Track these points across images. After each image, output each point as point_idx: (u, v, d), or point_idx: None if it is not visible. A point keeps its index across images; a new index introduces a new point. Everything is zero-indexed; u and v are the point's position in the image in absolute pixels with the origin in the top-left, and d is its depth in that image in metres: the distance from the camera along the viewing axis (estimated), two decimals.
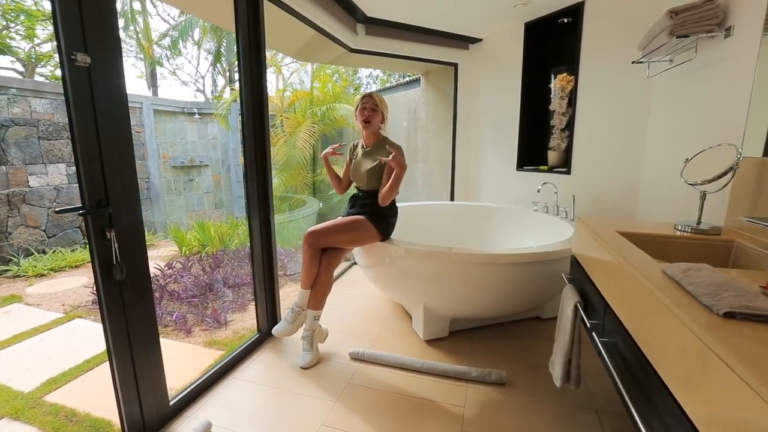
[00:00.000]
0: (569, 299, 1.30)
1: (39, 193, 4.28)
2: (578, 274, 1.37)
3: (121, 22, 8.48)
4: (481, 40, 3.30)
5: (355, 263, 3.26)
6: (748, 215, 1.21)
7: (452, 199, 3.69)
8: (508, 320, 2.25)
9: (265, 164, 1.99)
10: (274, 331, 1.94)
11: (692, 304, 0.69)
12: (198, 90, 11.18)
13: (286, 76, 7.18)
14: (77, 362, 2.18)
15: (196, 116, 6.27)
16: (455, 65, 3.45)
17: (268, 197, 2.01)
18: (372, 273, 2.26)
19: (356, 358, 1.90)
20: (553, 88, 2.80)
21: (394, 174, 1.85)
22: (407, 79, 4.85)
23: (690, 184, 1.30)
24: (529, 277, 1.91)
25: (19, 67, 7.94)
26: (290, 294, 3.18)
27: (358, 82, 11.45)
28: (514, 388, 1.67)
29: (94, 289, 1.24)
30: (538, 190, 2.65)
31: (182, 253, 4.52)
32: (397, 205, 2.12)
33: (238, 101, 1.97)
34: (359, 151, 2.09)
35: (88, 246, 1.21)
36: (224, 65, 9.50)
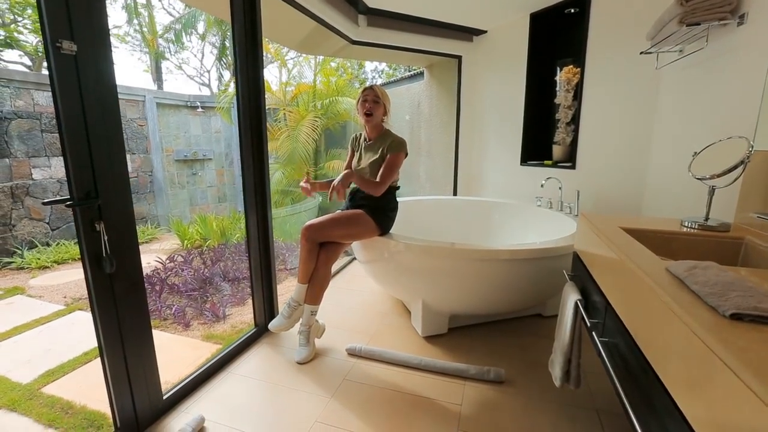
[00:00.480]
0: (570, 297, 1.26)
1: (42, 185, 4.30)
2: (580, 271, 1.33)
3: (124, 16, 8.48)
4: (485, 31, 3.23)
5: (354, 258, 3.23)
6: (760, 211, 1.16)
7: (455, 193, 3.65)
8: (508, 317, 2.22)
9: (262, 157, 1.96)
10: (270, 326, 1.92)
11: (697, 304, 0.65)
12: (203, 84, 11.18)
13: (291, 68, 7.13)
14: (75, 354, 2.19)
15: (199, 110, 6.26)
16: (459, 58, 3.39)
17: (265, 190, 1.99)
18: (371, 268, 2.23)
19: (353, 353, 1.88)
20: (558, 81, 2.74)
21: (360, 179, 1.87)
22: (411, 72, 4.79)
23: (698, 178, 1.25)
24: (530, 274, 1.86)
25: (27, 60, 7.99)
26: (291, 288, 3.17)
27: (363, 76, 11.38)
28: (513, 386, 1.64)
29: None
30: (542, 185, 2.59)
31: (184, 247, 4.53)
32: (399, 199, 2.09)
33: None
34: (362, 143, 2.06)
35: (76, 238, 1.19)
36: (229, 59, 9.48)
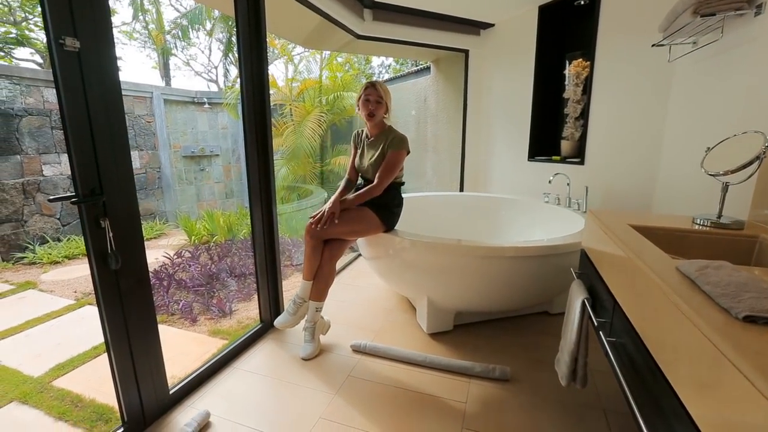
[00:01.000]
0: (577, 295, 1.24)
1: (53, 181, 4.36)
2: (587, 269, 1.31)
3: (130, 12, 8.52)
4: (492, 25, 3.18)
5: (359, 254, 3.23)
6: None
7: (461, 189, 3.62)
8: (514, 315, 2.20)
9: (267, 152, 1.95)
10: (276, 322, 1.93)
11: (708, 305, 0.62)
12: (211, 80, 11.23)
13: (297, 63, 7.11)
14: (85, 348, 2.22)
15: (206, 106, 6.28)
16: (466, 52, 3.34)
17: (270, 186, 1.99)
18: (376, 264, 2.23)
19: (358, 350, 1.88)
20: (567, 75, 2.69)
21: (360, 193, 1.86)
22: (417, 67, 4.74)
23: (711, 174, 1.21)
24: (537, 271, 1.84)
25: (38, 58, 8.09)
26: (297, 284, 3.17)
27: (370, 71, 11.32)
28: (519, 385, 1.62)
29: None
30: (550, 181, 2.55)
31: (191, 242, 4.57)
32: (404, 195, 2.07)
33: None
34: (363, 140, 2.04)
35: (82, 235, 1.19)
36: (236, 55, 9.49)
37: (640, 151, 2.27)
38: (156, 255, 3.78)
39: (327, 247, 1.86)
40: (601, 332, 1.03)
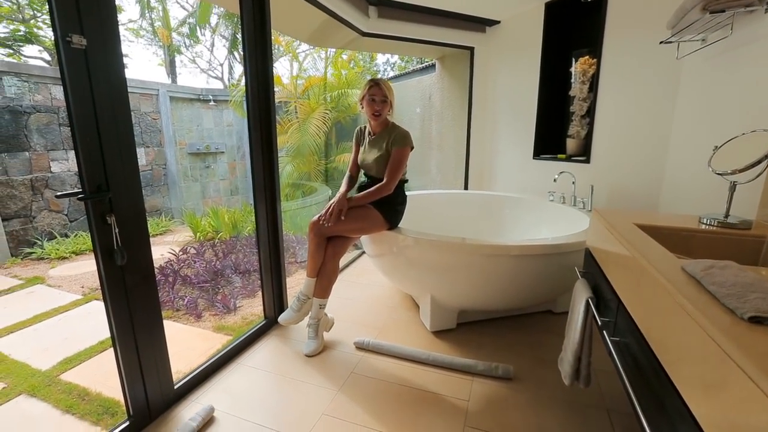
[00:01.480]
0: (581, 294, 1.23)
1: (61, 178, 4.41)
2: (592, 268, 1.30)
3: (137, 9, 8.56)
4: (498, 22, 3.15)
5: (363, 252, 3.23)
6: None
7: (466, 187, 3.60)
8: (518, 313, 2.19)
9: (271, 149, 1.96)
10: (280, 319, 1.94)
11: (713, 305, 0.62)
12: (216, 77, 11.27)
13: (302, 60, 7.12)
14: (91, 343, 2.25)
15: (212, 103, 6.31)
16: (471, 49, 3.32)
17: (275, 183, 1.99)
18: (380, 262, 2.23)
19: (361, 347, 1.88)
20: (573, 72, 2.67)
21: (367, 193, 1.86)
22: (422, 64, 4.72)
23: (719, 173, 1.20)
24: (541, 270, 1.83)
25: (46, 55, 8.16)
26: (301, 281, 3.18)
27: (375, 68, 11.30)
28: (522, 383, 1.62)
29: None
30: (555, 180, 2.54)
31: (197, 239, 4.60)
32: (408, 193, 2.07)
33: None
34: (366, 137, 2.03)
35: (89, 231, 1.21)
36: (241, 52, 9.51)
37: (647, 150, 2.25)
38: (161, 251, 3.81)
39: (330, 244, 1.87)
40: (605, 332, 1.02)
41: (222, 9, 8.35)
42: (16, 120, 4.03)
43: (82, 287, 3.25)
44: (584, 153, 2.63)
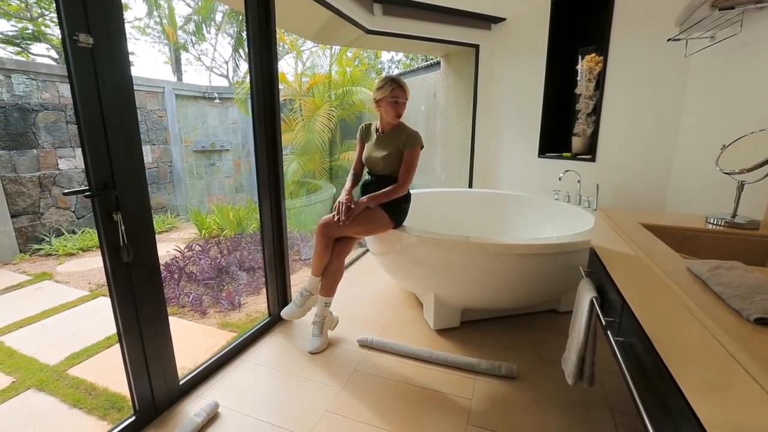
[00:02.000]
0: (585, 294, 1.23)
1: (68, 175, 4.45)
2: (596, 268, 1.29)
3: (144, 8, 8.61)
4: (504, 19, 3.13)
5: (367, 250, 3.24)
6: None
7: (470, 186, 3.59)
8: (522, 312, 2.18)
9: (276, 147, 1.96)
10: (282, 313, 1.95)
11: (719, 306, 0.61)
12: (222, 75, 11.30)
13: (306, 59, 7.12)
14: (98, 339, 2.28)
15: (217, 101, 6.33)
16: (476, 47, 3.30)
17: (279, 181, 2.00)
18: (384, 260, 2.23)
19: (365, 345, 1.89)
20: (579, 70, 2.64)
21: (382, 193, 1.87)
22: (427, 62, 4.71)
23: (726, 173, 1.19)
24: (546, 269, 1.83)
25: (54, 53, 8.23)
26: (305, 278, 3.20)
27: (379, 66, 11.27)
28: (525, 382, 1.62)
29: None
30: (560, 178, 2.52)
31: (202, 236, 4.63)
32: (413, 191, 2.07)
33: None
34: (373, 135, 2.02)
35: (95, 228, 1.22)
36: (246, 49, 9.52)
37: (654, 149, 2.23)
38: (167, 248, 3.84)
39: (336, 243, 1.87)
40: (609, 331, 1.02)
41: (227, 6, 8.36)
42: (24, 118, 4.08)
43: (89, 283, 3.29)
44: (590, 151, 2.61)
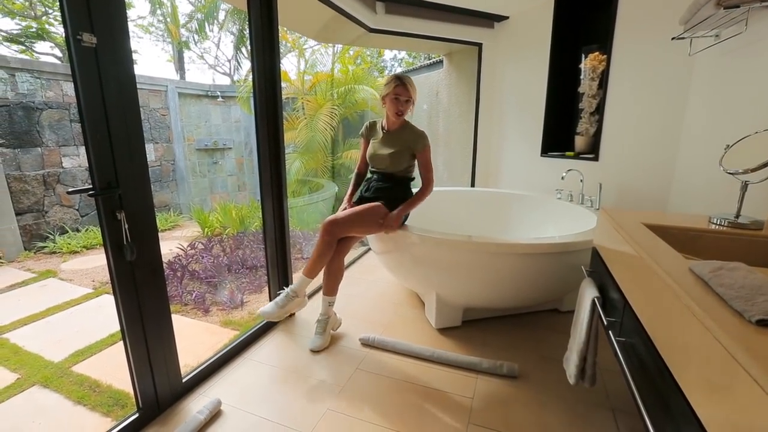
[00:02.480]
0: (587, 294, 1.23)
1: (72, 173, 4.48)
2: (598, 268, 1.29)
3: (147, 7, 8.62)
4: (507, 17, 3.12)
5: (369, 249, 3.24)
6: None
7: (473, 185, 3.59)
8: (524, 312, 2.18)
9: (278, 146, 1.97)
10: (260, 311, 1.78)
11: (721, 307, 0.61)
12: (224, 73, 11.31)
13: (308, 57, 7.11)
14: (102, 336, 2.30)
15: (220, 99, 6.34)
16: (479, 45, 3.29)
17: (281, 179, 2.00)
18: (385, 259, 2.23)
19: (366, 343, 1.90)
20: (583, 69, 2.63)
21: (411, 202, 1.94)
22: (430, 60, 4.70)
23: (730, 173, 1.18)
24: (548, 268, 1.82)
25: (58, 52, 8.27)
26: None
27: (382, 64, 11.25)
28: (527, 382, 1.62)
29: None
30: (563, 178, 2.51)
31: (204, 234, 4.65)
32: (416, 190, 2.06)
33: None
34: (378, 132, 2.01)
35: (99, 226, 1.23)
36: (248, 47, 9.52)
37: (657, 148, 2.22)
38: (170, 246, 3.86)
39: (338, 242, 1.87)
40: (610, 331, 1.02)
41: (229, 5, 8.36)
42: (28, 116, 4.10)
43: (93, 281, 3.31)
44: (593, 151, 2.60)
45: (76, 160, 4.50)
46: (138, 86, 1.25)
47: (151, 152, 5.52)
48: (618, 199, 2.45)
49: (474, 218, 2.99)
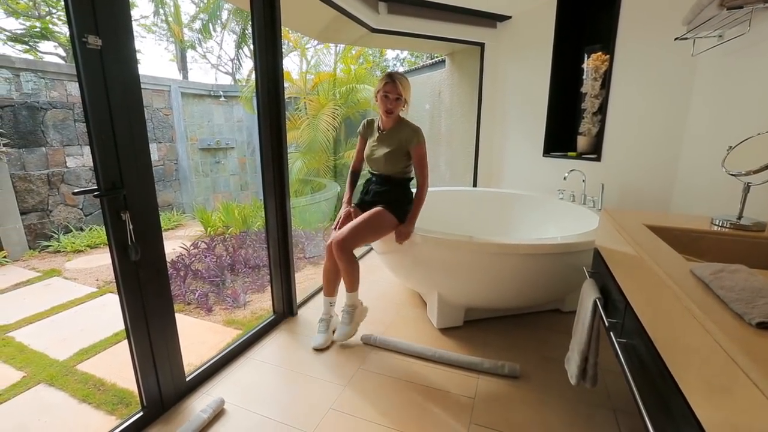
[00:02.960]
0: (589, 295, 1.23)
1: (76, 173, 4.50)
2: (600, 269, 1.29)
3: (151, 7, 8.64)
4: (509, 17, 3.12)
5: (371, 249, 3.25)
6: None
7: (475, 184, 3.59)
8: (525, 312, 2.19)
9: (281, 145, 1.97)
10: (314, 345, 1.86)
11: (721, 310, 0.62)
12: (227, 73, 11.33)
13: (310, 58, 7.12)
14: (106, 335, 2.31)
15: (222, 99, 6.36)
16: (482, 45, 3.29)
17: (284, 179, 2.01)
18: (387, 259, 2.24)
19: (368, 343, 1.90)
20: (585, 69, 2.63)
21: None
22: (432, 60, 4.69)
23: (732, 174, 1.18)
24: (550, 269, 1.83)
25: (61, 51, 8.31)
26: (308, 276, 3.23)
27: (384, 63, 11.24)
28: (528, 382, 1.63)
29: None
30: (565, 178, 2.51)
31: (207, 234, 4.66)
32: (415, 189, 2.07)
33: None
34: (375, 132, 2.00)
35: (104, 227, 1.24)
36: (251, 47, 9.55)
37: (660, 149, 2.22)
38: (173, 246, 3.88)
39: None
40: (612, 332, 1.02)
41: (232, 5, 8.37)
42: (33, 116, 4.12)
43: (97, 280, 3.33)
44: (595, 151, 2.60)
45: (80, 160, 4.53)
46: (141, 86, 1.26)
47: (155, 152, 5.55)
48: (620, 200, 2.45)
49: (476, 218, 2.99)
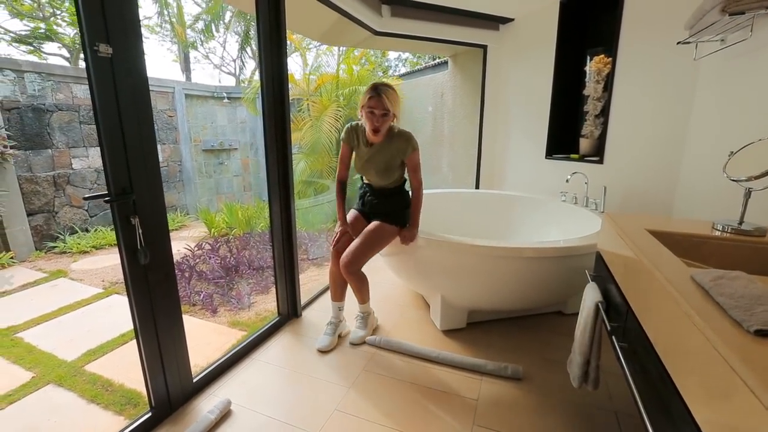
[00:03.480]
0: (591, 298, 1.24)
1: (81, 175, 4.54)
2: (602, 272, 1.31)
3: (154, 8, 8.68)
4: (512, 20, 3.13)
5: None
6: None
7: (477, 187, 3.60)
8: (528, 314, 2.20)
9: (286, 147, 1.99)
10: (318, 346, 1.87)
11: (720, 317, 0.63)
12: (230, 74, 11.38)
13: (313, 60, 7.14)
14: (113, 336, 2.34)
15: (225, 100, 6.39)
16: (484, 47, 3.30)
17: (289, 180, 2.03)
18: (390, 261, 2.26)
19: (372, 344, 1.92)
20: (588, 71, 2.63)
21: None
22: (435, 62, 4.71)
23: (733, 180, 1.19)
24: (552, 272, 1.84)
25: (65, 53, 8.37)
26: (312, 278, 3.25)
27: (386, 64, 11.26)
28: (531, 384, 1.64)
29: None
30: (567, 180, 2.52)
31: (211, 235, 4.69)
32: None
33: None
34: (362, 144, 1.84)
35: (114, 229, 1.26)
36: (253, 48, 9.59)
37: (662, 152, 2.22)
38: (177, 247, 3.91)
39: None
40: (613, 336, 1.03)
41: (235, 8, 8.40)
42: (39, 118, 4.17)
43: (103, 281, 3.36)
44: (598, 153, 2.61)
45: (85, 162, 4.57)
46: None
47: (159, 153, 5.54)
48: (622, 202, 2.46)
49: (478, 220, 3.00)
